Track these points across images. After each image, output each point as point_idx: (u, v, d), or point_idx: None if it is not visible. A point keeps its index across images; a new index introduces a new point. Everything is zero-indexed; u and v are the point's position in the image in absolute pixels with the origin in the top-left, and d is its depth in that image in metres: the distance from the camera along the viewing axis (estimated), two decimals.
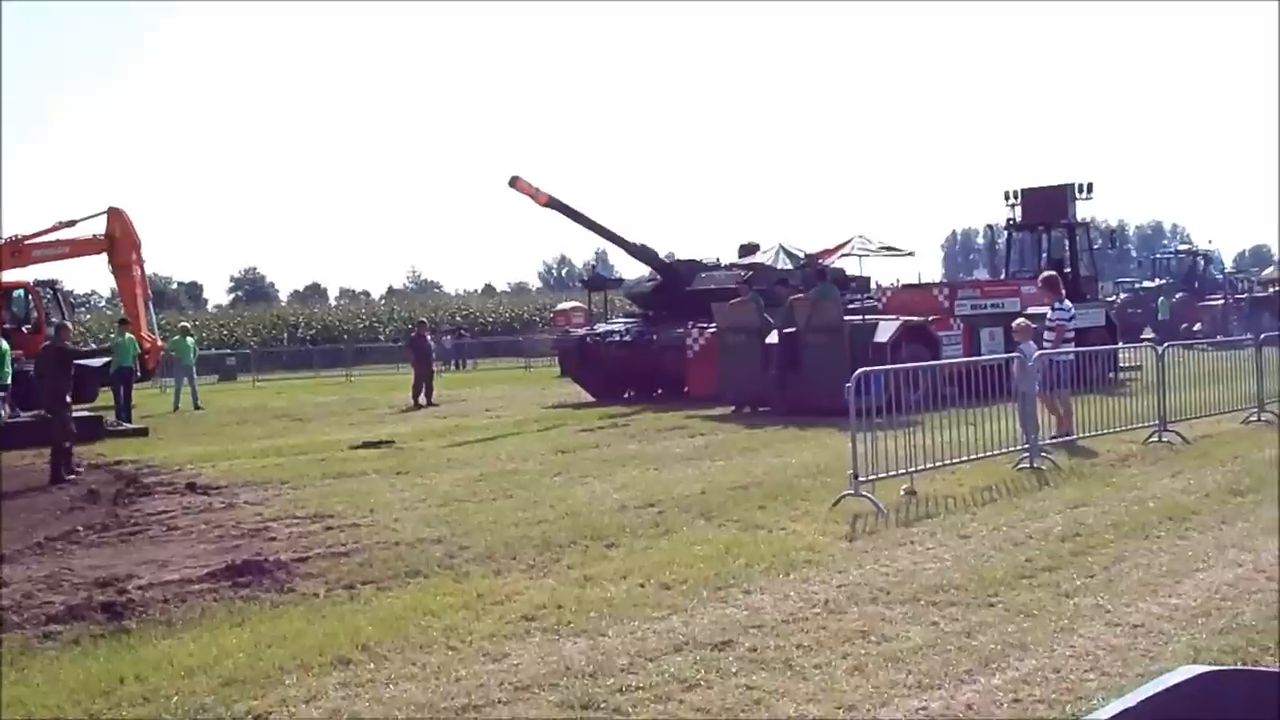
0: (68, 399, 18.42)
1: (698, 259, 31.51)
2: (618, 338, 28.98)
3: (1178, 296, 45.69)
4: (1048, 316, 17.11)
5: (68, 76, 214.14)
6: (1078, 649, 7.05)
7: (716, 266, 30.96)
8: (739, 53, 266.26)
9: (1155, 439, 15.99)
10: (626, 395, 29.24)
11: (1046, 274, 19.66)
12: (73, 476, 17.65)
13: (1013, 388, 14.84)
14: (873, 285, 30.24)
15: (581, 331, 32.25)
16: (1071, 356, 16.27)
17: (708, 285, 28.72)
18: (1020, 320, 16.55)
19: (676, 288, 29.44)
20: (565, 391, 31.09)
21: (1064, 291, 18.57)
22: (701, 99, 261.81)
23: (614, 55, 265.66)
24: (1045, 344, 16.40)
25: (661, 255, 31.01)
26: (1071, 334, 17.29)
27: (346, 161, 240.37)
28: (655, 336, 27.86)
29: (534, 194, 27.90)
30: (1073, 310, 18.09)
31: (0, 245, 34.78)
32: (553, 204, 28.31)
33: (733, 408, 23.17)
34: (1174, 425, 16.28)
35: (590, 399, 28.92)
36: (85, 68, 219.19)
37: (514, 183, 27.71)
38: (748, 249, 30.50)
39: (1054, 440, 15.36)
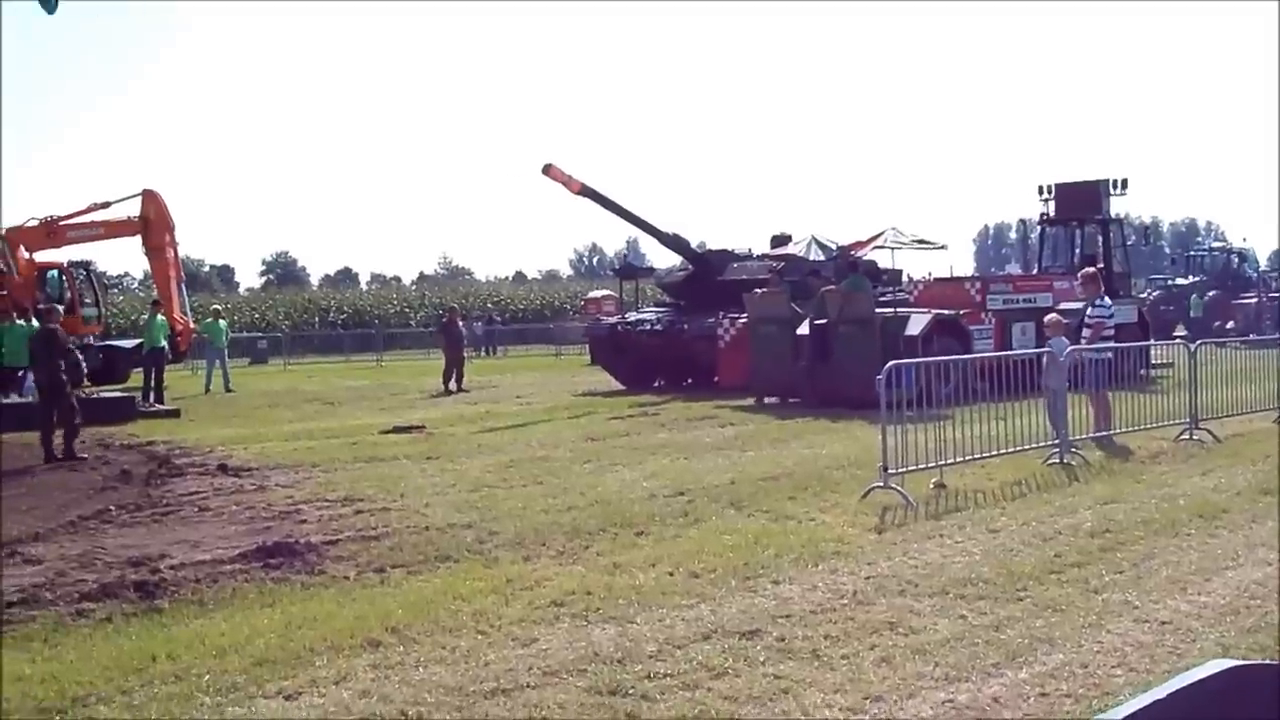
0: (64, 379, 18.45)
1: (729, 249, 31.54)
2: (649, 326, 29.05)
3: (1211, 294, 45.49)
4: (1087, 313, 16.86)
5: (106, 60, 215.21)
6: (1105, 645, 7.05)
7: (748, 257, 31.00)
8: (775, 44, 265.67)
9: (1186, 436, 15.94)
10: (657, 384, 29.22)
11: (1088, 269, 19.39)
12: (84, 456, 17.75)
13: (1042, 383, 14.81)
14: (904, 278, 30.14)
15: (613, 320, 32.31)
16: (1109, 354, 16.13)
17: (739, 275, 28.82)
18: (1052, 315, 16.51)
19: (708, 277, 29.48)
20: (596, 379, 31.11)
21: (1104, 288, 18.29)
22: (737, 90, 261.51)
23: (650, 44, 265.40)
24: (1082, 340, 16.29)
25: (694, 245, 31.00)
26: (1111, 331, 17.01)
27: (379, 147, 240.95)
28: (686, 326, 27.87)
29: (567, 181, 27.97)
30: (1113, 307, 17.84)
31: (35, 226, 35.02)
32: (585, 192, 28.36)
33: (763, 398, 23.15)
34: (1205, 423, 16.21)
35: (620, 387, 28.93)
36: (122, 52, 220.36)
37: (547, 170, 27.78)
38: (780, 240, 30.47)
39: (1092, 437, 15.31)
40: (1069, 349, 15.28)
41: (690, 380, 28.60)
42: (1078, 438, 14.82)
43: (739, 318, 25.66)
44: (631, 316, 31.10)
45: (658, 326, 28.83)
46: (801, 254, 27.42)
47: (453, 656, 7.16)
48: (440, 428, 20.68)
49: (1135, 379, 17.44)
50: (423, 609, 8.20)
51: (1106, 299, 17.66)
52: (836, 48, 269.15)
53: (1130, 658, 6.82)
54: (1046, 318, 16.48)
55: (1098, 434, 15.41)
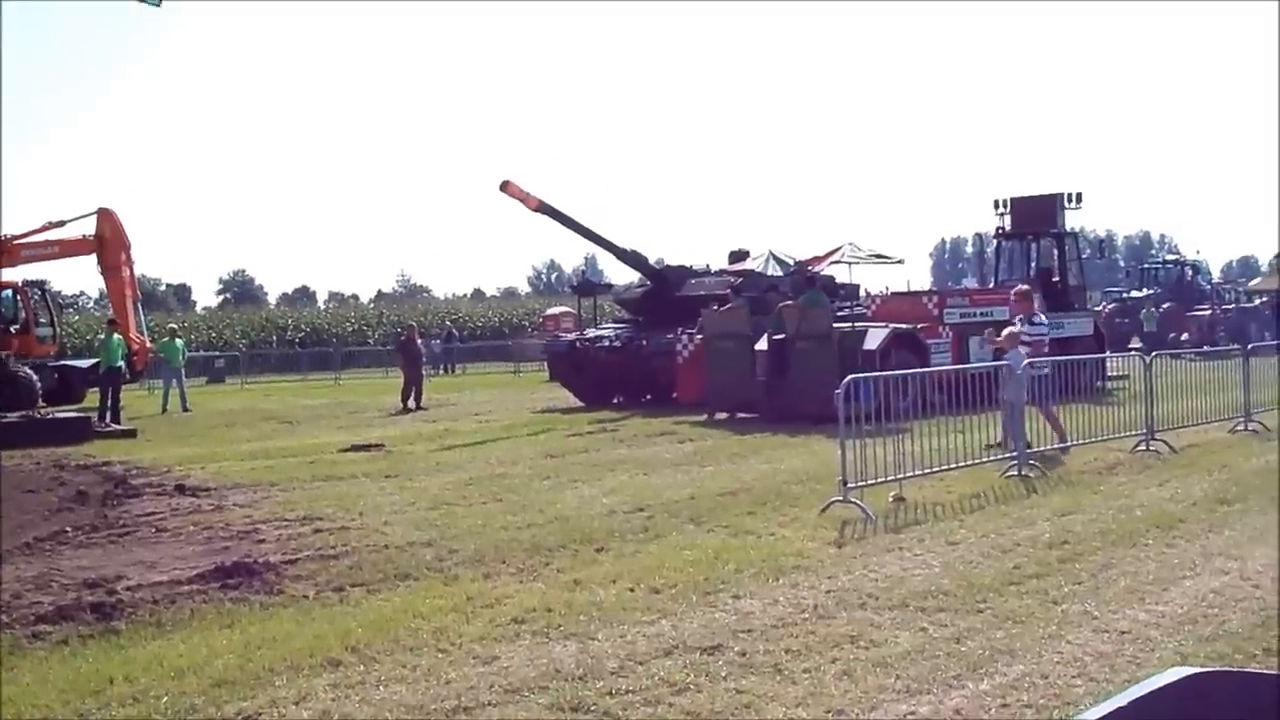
0: None
1: (687, 265, 31.59)
2: (607, 343, 28.96)
3: (1165, 306, 45.97)
4: (1025, 331, 16.76)
5: (60, 77, 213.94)
6: (1065, 655, 7.08)
7: (706, 273, 31.04)
8: (730, 60, 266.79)
9: (1143, 448, 16.04)
10: (615, 400, 29.19)
11: (1020, 287, 19.34)
12: None
13: (999, 396, 14.89)
14: (862, 293, 30.28)
15: (571, 336, 32.25)
16: (1047, 369, 16.11)
17: (697, 291, 28.83)
18: (1009, 329, 16.55)
19: (666, 293, 29.51)
20: (554, 396, 31.10)
21: (1036, 305, 18.23)
22: (693, 106, 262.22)
23: (606, 62, 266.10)
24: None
25: (652, 262, 31.03)
26: (1047, 349, 17.14)
27: (336, 165, 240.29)
28: (645, 342, 27.85)
29: (524, 198, 27.94)
30: (1047, 326, 17.90)
31: None
32: (543, 209, 28.31)
33: (722, 414, 23.17)
34: (1161, 434, 16.34)
35: (579, 404, 28.90)
36: (77, 69, 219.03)
37: (505, 187, 27.77)
38: (737, 255, 30.56)
39: (1054, 449, 15.40)
40: (1025, 362, 15.35)
41: (649, 396, 28.55)
42: (1041, 450, 14.92)
43: (697, 334, 25.72)
44: (590, 333, 31.03)
45: (616, 343, 28.77)
46: (759, 269, 27.53)
47: (413, 675, 7.13)
48: (399, 446, 20.62)
49: (1091, 391, 17.55)
50: (383, 628, 8.16)
51: (1041, 316, 17.66)
52: (793, 64, 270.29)
53: (1090, 667, 6.85)
54: (1004, 332, 16.46)
55: (1058, 447, 15.50)
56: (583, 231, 29.58)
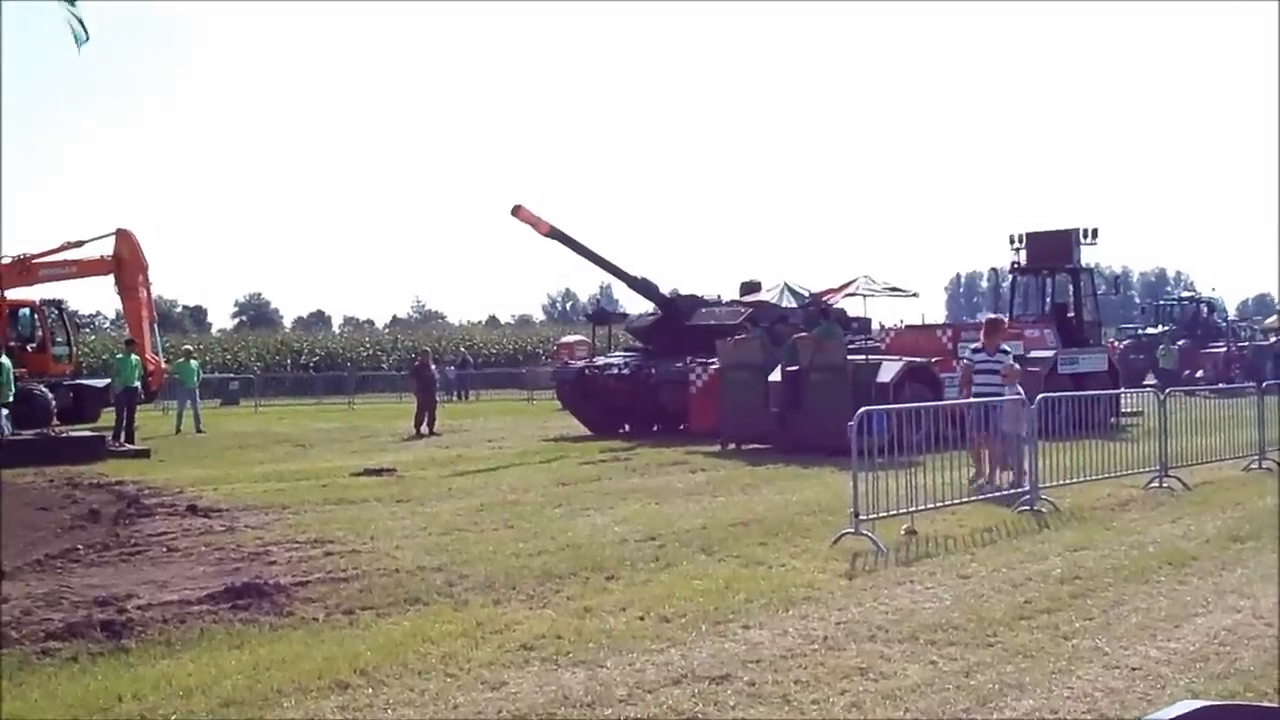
0: None
1: (698, 294, 31.60)
2: (616, 371, 28.95)
3: (1180, 343, 45.82)
4: (1002, 364, 16.57)
5: (79, 98, 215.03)
6: (1075, 690, 7.06)
7: (717, 302, 31.03)
8: (748, 92, 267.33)
9: (1156, 484, 16.00)
10: (624, 429, 29.14)
11: (992, 317, 18.96)
12: None
13: (997, 426, 14.93)
14: (875, 326, 30.28)
15: (580, 364, 32.30)
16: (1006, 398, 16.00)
17: (707, 321, 28.94)
18: (1008, 364, 16.45)
19: (676, 322, 29.54)
20: (567, 424, 31.06)
21: (1002, 337, 17.75)
22: (710, 138, 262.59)
23: (624, 90, 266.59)
24: (1008, 391, 16.06)
25: (665, 291, 31.02)
26: (998, 380, 16.62)
27: (353, 190, 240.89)
28: (654, 370, 27.86)
29: (535, 223, 27.99)
30: (1011, 354, 17.41)
31: (8, 263, 34.99)
32: (554, 234, 28.34)
33: (734, 444, 23.16)
34: (1175, 471, 16.29)
35: (590, 433, 28.93)
36: (96, 90, 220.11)
37: (516, 211, 27.80)
38: (749, 286, 30.54)
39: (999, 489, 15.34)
40: (1019, 397, 15.32)
41: (658, 426, 28.52)
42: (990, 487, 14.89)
43: (708, 363, 25.76)
44: (599, 361, 31.00)
45: (625, 371, 28.75)
46: (774, 301, 27.53)
47: (421, 699, 7.12)
48: (411, 471, 20.63)
49: (1105, 427, 17.46)
50: (392, 651, 8.15)
51: (1006, 346, 17.35)
52: (811, 97, 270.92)
53: (1100, 703, 6.83)
54: (1002, 367, 16.33)
55: (979, 480, 15.42)
56: (593, 258, 29.58)
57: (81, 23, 18.71)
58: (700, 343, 27.34)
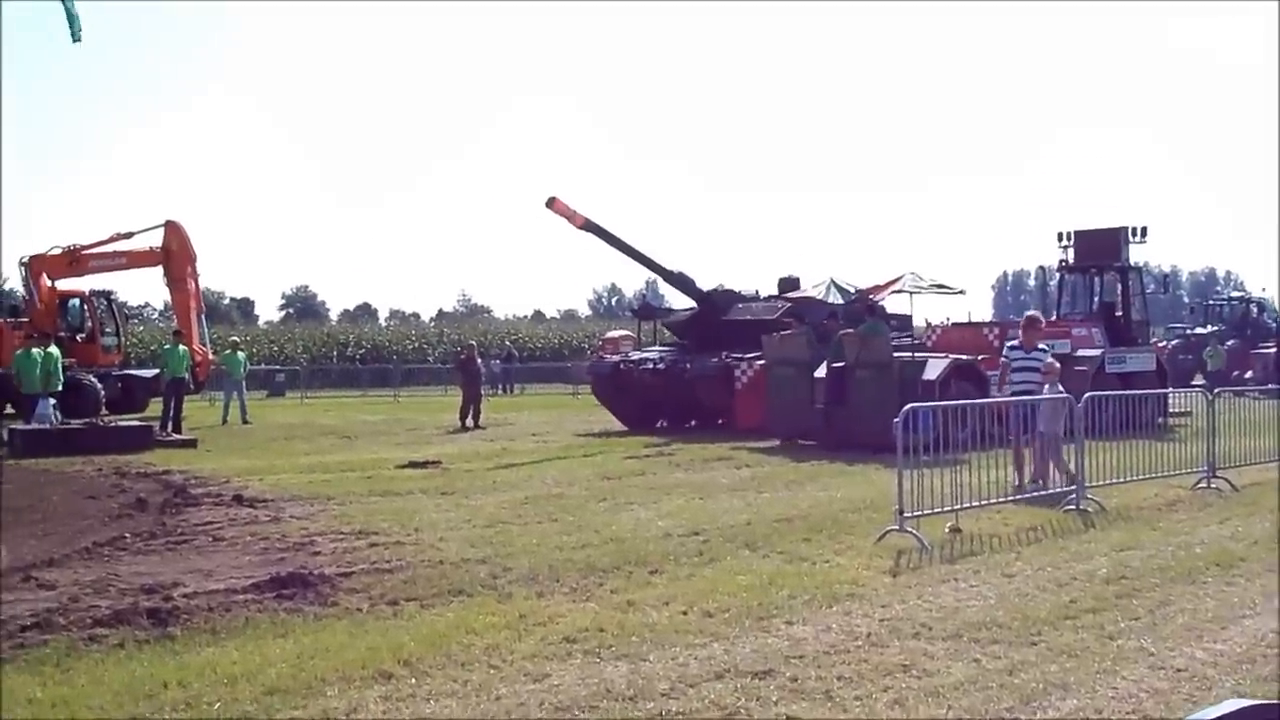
0: None
1: (735, 289, 31.49)
2: (651, 365, 28.77)
3: (1229, 343, 45.44)
4: (1044, 362, 16.33)
5: (128, 91, 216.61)
6: (1120, 691, 7.01)
7: (755, 298, 30.89)
8: (794, 88, 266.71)
9: (1204, 485, 15.88)
10: (660, 425, 29.08)
11: (1031, 314, 18.66)
12: None
13: (1074, 431, 14.68)
14: (921, 323, 30.11)
15: (615, 358, 31.93)
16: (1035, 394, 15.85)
17: (744, 316, 28.82)
18: (1048, 362, 16.26)
19: (713, 317, 29.39)
20: (611, 419, 31.02)
21: (1040, 335, 17.44)
22: (754, 134, 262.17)
23: (669, 84, 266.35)
24: (1046, 390, 15.87)
25: (709, 287, 30.85)
26: (1036, 379, 16.33)
27: (400, 184, 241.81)
28: (689, 365, 27.67)
29: (571, 216, 28.00)
30: (1049, 352, 17.16)
31: (58, 254, 35.32)
32: (589, 227, 28.33)
33: (779, 440, 23.13)
34: (1223, 472, 16.15)
35: (625, 428, 28.91)
36: (146, 83, 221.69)
37: (551, 204, 27.81)
38: (788, 282, 30.42)
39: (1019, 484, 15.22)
40: (1060, 395, 15.16)
41: (694, 421, 28.45)
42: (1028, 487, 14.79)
43: (744, 358, 25.80)
44: (635, 355, 30.80)
45: (660, 365, 28.57)
46: (820, 297, 27.46)
47: (464, 690, 7.14)
48: (456, 463, 20.69)
49: (1153, 427, 17.31)
50: (435, 642, 8.18)
51: (1044, 344, 17.14)
52: (857, 91, 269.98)
53: (1145, 704, 6.78)
54: (1041, 365, 16.14)
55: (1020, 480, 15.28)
56: (628, 251, 29.42)
57: (76, 20, 18.76)
58: (737, 338, 27.28)
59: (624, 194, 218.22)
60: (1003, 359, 16.79)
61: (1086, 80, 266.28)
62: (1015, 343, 16.95)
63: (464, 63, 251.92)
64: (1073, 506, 13.88)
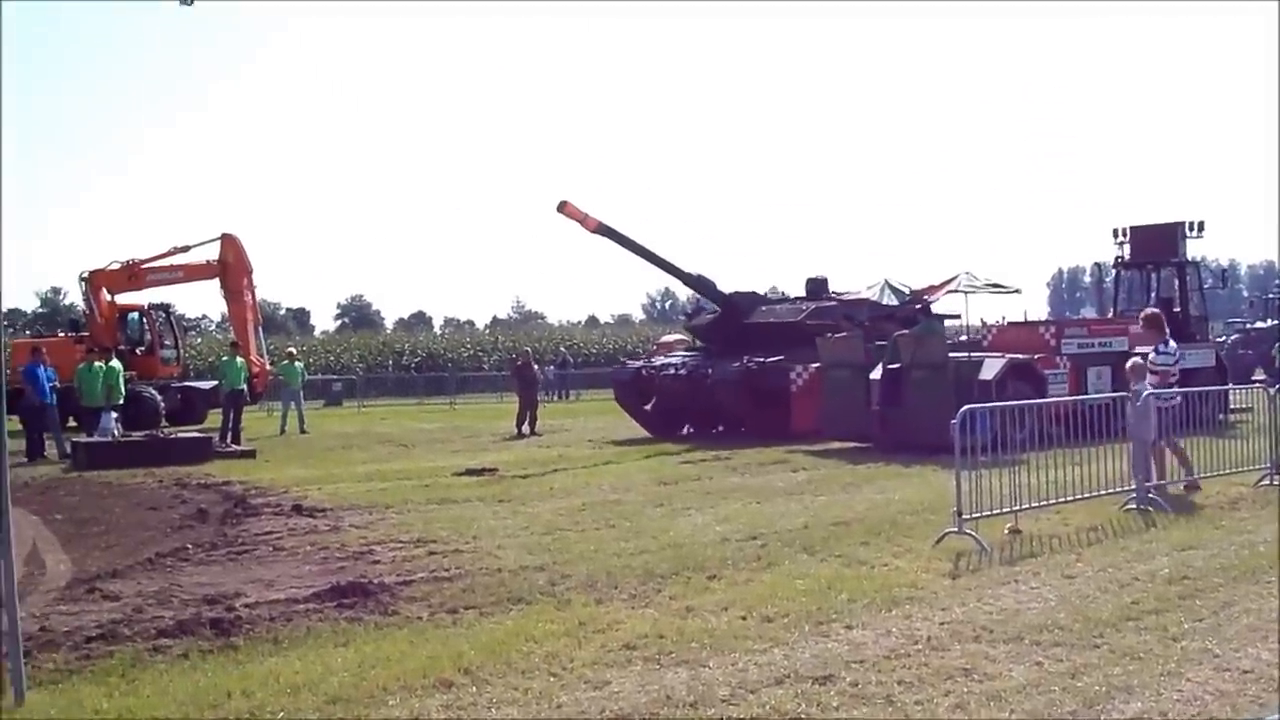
0: None
1: (757, 291, 30.99)
2: (673, 371, 28.13)
3: None
4: (1150, 359, 16.19)
5: (187, 105, 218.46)
6: (1185, 693, 6.95)
7: (779, 300, 30.55)
8: (847, 90, 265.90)
9: (1266, 482, 15.69)
10: (685, 431, 28.62)
11: (1149, 311, 18.57)
12: None
13: (1125, 429, 14.47)
14: (977, 322, 29.88)
15: (638, 364, 31.48)
16: (1178, 401, 15.64)
17: (767, 319, 28.25)
18: (1134, 360, 16.06)
19: (735, 320, 28.70)
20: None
21: (1169, 331, 17.37)
22: (808, 135, 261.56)
23: (717, 94, 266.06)
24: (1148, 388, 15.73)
25: (730, 289, 30.27)
26: (1176, 378, 16.34)
27: (453, 192, 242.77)
28: (710, 370, 26.99)
29: (583, 219, 27.53)
30: (1179, 352, 17.10)
31: (117, 269, 35.78)
32: (602, 230, 27.79)
33: (835, 443, 23.06)
34: None
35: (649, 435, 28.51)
36: (204, 96, 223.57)
37: (562, 207, 27.36)
38: (815, 283, 29.82)
39: (1184, 484, 15.09)
40: (1147, 393, 14.93)
41: (720, 428, 27.88)
42: (1161, 482, 14.64)
43: (765, 361, 25.28)
44: (657, 360, 30.24)
45: (682, 370, 27.94)
46: (874, 298, 27.32)
47: (525, 698, 7.17)
48: (512, 470, 20.74)
49: (1213, 424, 17.08)
50: (495, 650, 8.21)
51: (1172, 343, 16.83)
52: (912, 93, 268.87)
53: (1211, 706, 6.72)
54: (1129, 363, 15.93)
55: (1185, 483, 15.17)
56: (644, 254, 28.70)
57: None
58: (760, 341, 26.72)
59: (674, 198, 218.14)
60: (1135, 360, 16.30)
61: (1141, 72, 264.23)
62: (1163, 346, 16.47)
63: (516, 70, 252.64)
64: (1133, 506, 13.76)
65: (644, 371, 29.33)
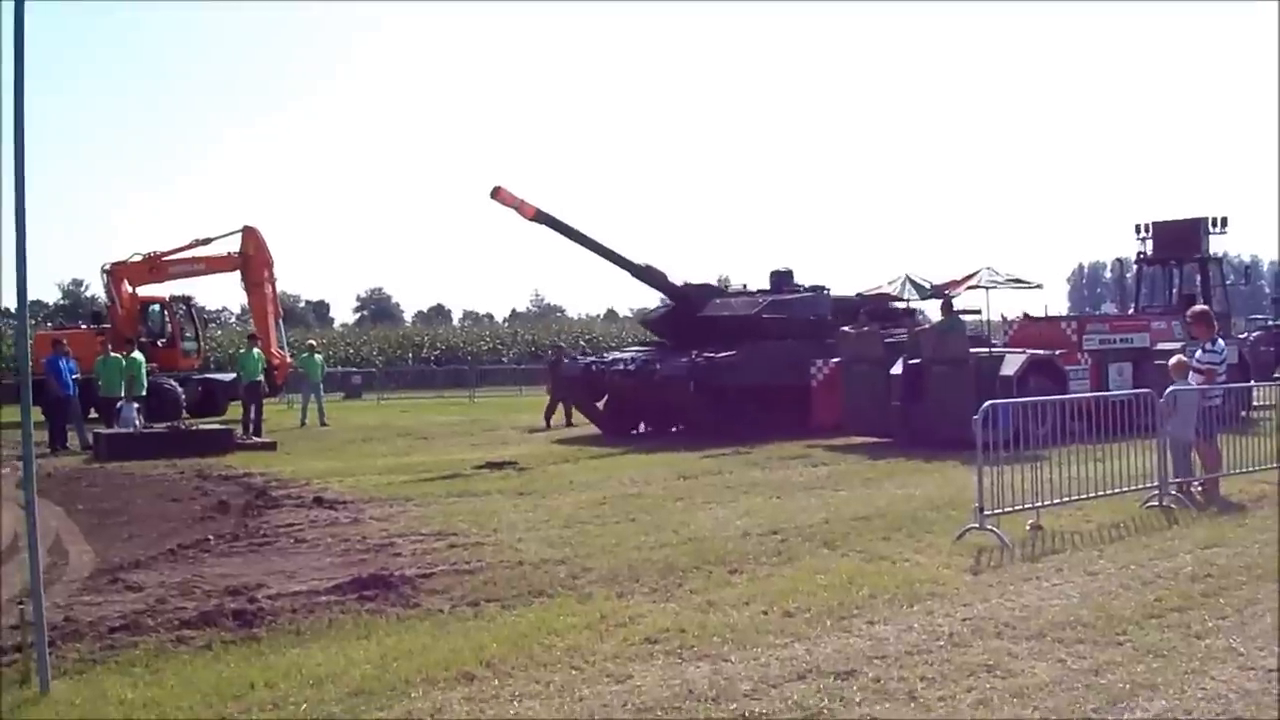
0: None
1: (712, 283, 30.26)
2: (622, 366, 26.85)
3: None
4: (1196, 357, 15.81)
5: (209, 100, 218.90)
6: (1209, 691, 6.93)
7: (735, 292, 29.66)
8: (868, 82, 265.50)
9: None
10: (639, 430, 27.83)
11: (1199, 309, 17.95)
12: None
13: (1156, 426, 14.29)
14: (997, 318, 29.72)
15: (588, 360, 29.92)
16: (1218, 400, 15.46)
17: (720, 312, 27.29)
18: (1178, 357, 15.85)
19: (688, 314, 27.58)
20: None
21: (1218, 328, 16.98)
22: (822, 126, 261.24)
23: (720, 84, 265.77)
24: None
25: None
26: (1223, 377, 16.00)
27: (472, 185, 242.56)
28: (659, 366, 25.79)
29: (520, 205, 25.88)
30: (1226, 351, 16.64)
31: (138, 261, 35.93)
32: (540, 218, 26.23)
33: (855, 438, 23.03)
34: None
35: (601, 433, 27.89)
36: (223, 90, 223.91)
37: (496, 194, 25.63)
38: (779, 275, 29.10)
39: (1201, 480, 14.99)
40: (1193, 390, 14.75)
41: (678, 426, 26.88)
42: (1195, 484, 14.58)
43: (716, 356, 24.76)
44: (608, 356, 28.99)
45: (630, 366, 26.58)
46: (895, 293, 27.22)
47: (547, 691, 7.18)
48: (532, 464, 20.76)
49: (1236, 421, 16.99)
50: (517, 643, 8.23)
51: (1220, 342, 16.33)
52: (931, 88, 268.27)
53: (1235, 705, 6.69)
54: (1171, 360, 15.66)
55: (1209, 477, 15.07)
56: (588, 243, 26.98)
57: None
58: (712, 335, 25.71)
59: (692, 195, 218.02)
60: (1179, 357, 16.10)
61: (1165, 67, 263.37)
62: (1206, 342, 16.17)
63: (536, 63, 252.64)
64: (1155, 503, 13.71)
65: (594, 367, 27.97)
